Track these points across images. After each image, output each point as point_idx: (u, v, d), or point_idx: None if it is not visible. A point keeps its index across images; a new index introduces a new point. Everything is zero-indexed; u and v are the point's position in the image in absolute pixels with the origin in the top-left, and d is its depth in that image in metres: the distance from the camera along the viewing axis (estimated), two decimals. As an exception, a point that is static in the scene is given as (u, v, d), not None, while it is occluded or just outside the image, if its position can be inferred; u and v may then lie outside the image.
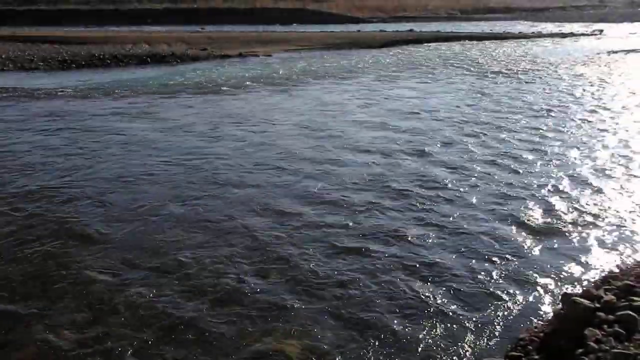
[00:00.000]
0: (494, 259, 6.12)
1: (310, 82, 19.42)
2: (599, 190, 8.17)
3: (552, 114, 13.71)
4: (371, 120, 13.15)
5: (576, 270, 5.84)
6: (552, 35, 41.54)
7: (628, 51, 28.61)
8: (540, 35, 41.69)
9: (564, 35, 40.88)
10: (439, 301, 5.28)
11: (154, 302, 5.14)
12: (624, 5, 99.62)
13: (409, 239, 6.59)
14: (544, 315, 5.05)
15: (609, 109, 14.26)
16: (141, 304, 5.09)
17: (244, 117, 13.63)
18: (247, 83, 19.25)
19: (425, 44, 34.47)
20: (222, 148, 10.67)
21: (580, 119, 13.05)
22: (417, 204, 7.70)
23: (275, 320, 4.90)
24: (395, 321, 4.94)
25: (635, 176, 8.78)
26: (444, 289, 5.50)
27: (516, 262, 6.03)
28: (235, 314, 4.98)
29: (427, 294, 5.40)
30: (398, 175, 9.00)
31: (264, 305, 5.13)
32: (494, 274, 5.80)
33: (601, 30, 44.51)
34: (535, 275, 5.73)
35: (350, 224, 6.99)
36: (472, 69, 22.83)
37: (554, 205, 7.63)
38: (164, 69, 23.41)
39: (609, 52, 28.19)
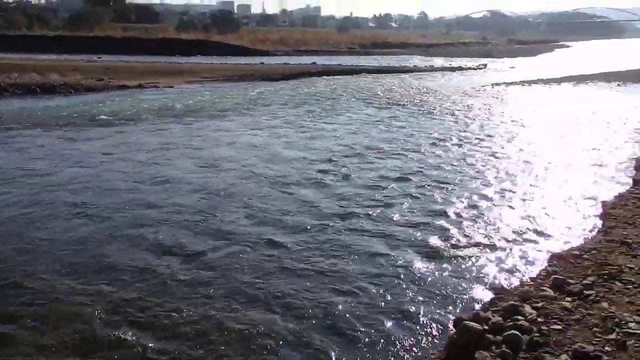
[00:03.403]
0: (387, 285, 6.30)
1: (211, 115, 19.22)
2: (486, 214, 8.70)
3: (445, 142, 14.51)
4: (269, 150, 13.24)
5: (468, 293, 6.14)
6: (443, 69, 44.21)
7: (509, 83, 31.05)
8: (433, 69, 44.23)
9: (453, 69, 43.65)
10: (321, 336, 5.31)
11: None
12: (503, 42, 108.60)
13: (299, 267, 6.65)
14: (439, 343, 5.24)
15: (495, 136, 15.35)
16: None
17: (137, 150, 13.27)
18: (145, 115, 18.72)
19: (327, 77, 35.37)
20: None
21: (470, 146, 13.91)
22: (312, 232, 7.81)
23: None
24: None
25: (521, 199, 9.45)
26: (333, 319, 5.58)
27: (409, 289, 6.24)
28: None
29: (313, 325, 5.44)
30: (294, 206, 9.11)
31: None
32: (387, 300, 5.96)
33: (485, 65, 48.04)
34: (430, 301, 5.95)
35: (247, 257, 6.95)
36: (371, 100, 23.70)
37: (444, 229, 8.03)
38: (57, 100, 22.21)
39: (492, 85, 30.41)
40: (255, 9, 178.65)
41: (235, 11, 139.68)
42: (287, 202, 9.33)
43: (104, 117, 18.40)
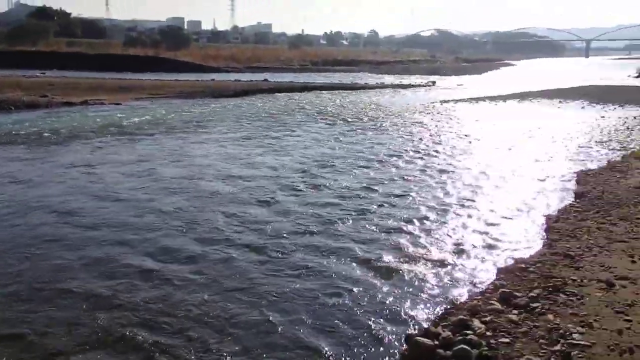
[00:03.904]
0: (337, 302, 6.27)
1: (159, 132, 18.86)
2: (435, 228, 8.82)
3: (395, 157, 14.70)
4: (219, 170, 13.08)
5: (418, 308, 6.16)
6: (393, 86, 44.99)
7: (457, 100, 31.86)
8: (383, 85, 44.96)
9: (403, 86, 44.49)
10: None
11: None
12: (451, 60, 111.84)
13: (254, 282, 6.55)
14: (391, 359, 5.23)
15: (444, 151, 15.67)
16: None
17: (83, 169, 12.88)
18: (87, 133, 18.19)
19: (279, 93, 35.40)
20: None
21: (420, 162, 14.14)
22: (265, 250, 7.72)
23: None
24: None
25: (469, 214, 9.62)
26: (277, 339, 5.50)
27: (359, 306, 6.22)
28: None
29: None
30: (245, 224, 9.02)
31: None
32: (337, 317, 5.92)
33: (434, 82, 49.21)
34: (380, 317, 5.94)
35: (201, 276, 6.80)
36: (323, 117, 23.82)
37: (393, 245, 8.10)
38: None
39: (441, 101, 31.14)
40: (206, 26, 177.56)
41: (186, 27, 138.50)
42: (236, 222, 9.20)
43: (46, 134, 17.76)
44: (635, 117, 23.43)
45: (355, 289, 6.61)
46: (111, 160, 13.97)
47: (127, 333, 5.54)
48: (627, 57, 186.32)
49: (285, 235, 8.52)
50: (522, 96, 34.23)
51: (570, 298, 5.70)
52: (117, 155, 14.72)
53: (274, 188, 11.40)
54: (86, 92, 30.20)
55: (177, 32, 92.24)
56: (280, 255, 7.70)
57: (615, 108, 27.64)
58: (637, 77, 59.42)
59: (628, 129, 20.11)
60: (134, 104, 27.52)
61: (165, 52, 68.97)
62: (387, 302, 6.30)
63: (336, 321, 5.86)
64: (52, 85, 32.61)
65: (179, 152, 15.31)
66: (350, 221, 9.23)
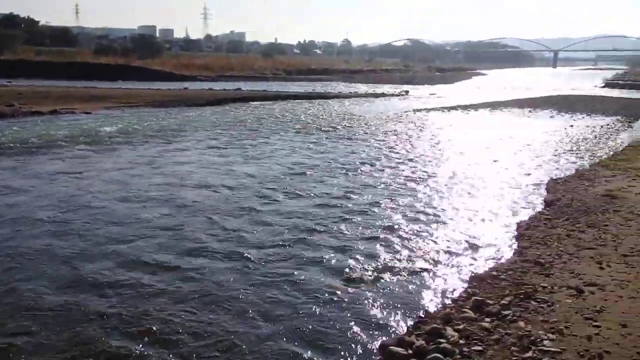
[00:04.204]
0: (311, 312, 6.24)
1: (131, 142, 18.61)
2: (408, 237, 8.86)
3: (369, 166, 14.76)
4: (194, 180, 12.96)
5: (392, 318, 6.17)
6: (367, 95, 45.29)
7: (430, 109, 32.23)
8: (356, 95, 45.21)
9: (376, 95, 44.81)
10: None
11: None
12: (424, 70, 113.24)
13: (220, 297, 6.48)
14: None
15: (417, 160, 15.81)
16: None
17: (52, 178, 12.62)
18: (59, 142, 17.85)
19: (252, 102, 35.31)
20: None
21: (393, 171, 14.22)
22: (241, 261, 7.66)
23: None
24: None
25: (442, 222, 9.70)
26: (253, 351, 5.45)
27: (334, 316, 6.20)
28: None
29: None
30: (223, 232, 8.94)
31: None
32: (311, 328, 5.90)
33: (407, 91, 49.71)
34: (354, 327, 5.93)
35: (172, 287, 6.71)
36: (297, 126, 23.82)
37: (367, 254, 8.12)
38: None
39: (414, 110, 31.45)
40: (179, 34, 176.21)
41: (158, 35, 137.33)
42: (214, 231, 9.11)
43: (11, 144, 17.35)
44: (602, 126, 24.02)
45: (329, 299, 6.60)
46: (82, 170, 13.71)
47: (95, 344, 5.45)
48: (593, 67, 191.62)
49: (260, 244, 8.48)
50: (494, 105, 34.80)
51: (541, 305, 5.78)
52: (88, 165, 14.46)
53: (252, 197, 11.36)
54: (56, 101, 29.66)
55: (149, 40, 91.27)
56: (256, 264, 7.65)
57: (583, 117, 28.30)
58: (604, 87, 61.03)
59: (596, 137, 20.60)
60: (105, 112, 27.11)
61: (137, 61, 68.15)
62: (361, 311, 6.30)
63: (310, 331, 5.83)
64: (20, 94, 31.93)
65: (151, 161, 15.12)
66: (325, 230, 9.24)
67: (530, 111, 31.39)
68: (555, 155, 16.70)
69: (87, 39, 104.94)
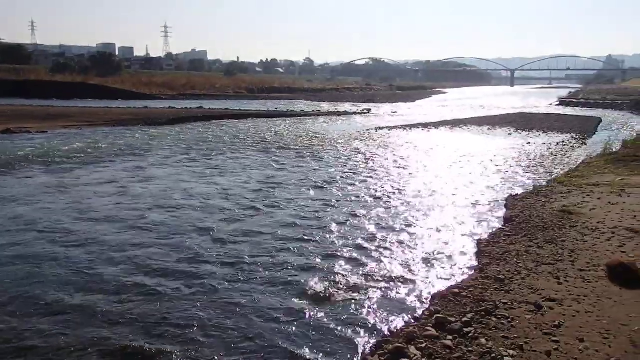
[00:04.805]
0: (271, 334, 6.14)
1: (88, 162, 18.19)
2: (372, 256, 8.86)
3: (332, 184, 14.77)
4: (154, 202, 12.72)
5: (355, 338, 6.11)
6: (329, 113, 45.58)
7: (391, 127, 32.62)
8: (319, 113, 45.43)
9: (339, 114, 45.14)
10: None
11: None
12: (385, 88, 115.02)
13: (179, 317, 6.33)
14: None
15: (379, 177, 15.92)
16: None
17: (7, 201, 12.17)
18: (12, 163, 17.30)
19: (215, 121, 35.06)
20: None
21: (355, 187, 14.27)
22: (197, 281, 7.50)
23: None
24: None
25: (404, 240, 9.73)
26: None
27: (295, 337, 6.12)
28: None
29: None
30: (179, 253, 8.78)
31: None
32: (271, 350, 5.80)
33: (369, 109, 50.28)
34: (317, 348, 5.85)
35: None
36: (260, 144, 23.74)
37: (329, 273, 8.08)
38: None
39: (376, 129, 31.77)
40: (139, 52, 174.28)
41: (117, 53, 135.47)
42: (170, 254, 8.92)
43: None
44: (558, 143, 24.72)
45: (292, 319, 6.52)
46: (35, 193, 13.28)
47: None
48: (548, 86, 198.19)
49: (220, 264, 8.34)
50: (454, 123, 35.47)
51: (502, 321, 5.83)
52: (45, 187, 14.02)
53: (214, 217, 11.22)
54: (10, 120, 28.83)
55: (107, 58, 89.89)
56: (215, 287, 7.50)
57: (539, 135, 29.09)
58: (558, 105, 63.07)
59: (552, 154, 21.17)
60: (61, 132, 26.47)
61: (96, 79, 67.06)
62: (324, 331, 6.24)
63: (271, 353, 5.73)
64: (-28, 113, 30.95)
65: (111, 180, 14.79)
66: (287, 249, 9.17)
67: (489, 129, 32.09)
68: (514, 172, 17.07)
69: (44, 57, 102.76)
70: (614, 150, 19.36)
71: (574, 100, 66.21)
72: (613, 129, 33.45)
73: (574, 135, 28.24)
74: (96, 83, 62.87)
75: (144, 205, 12.17)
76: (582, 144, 25.08)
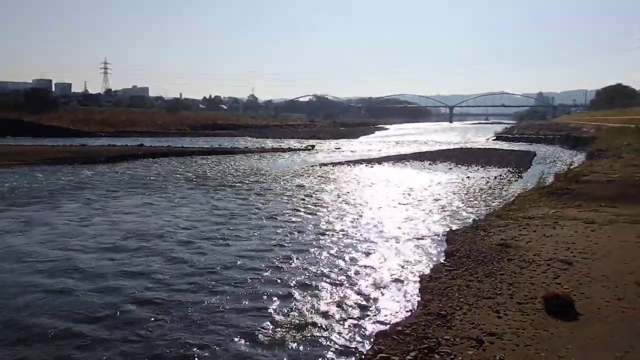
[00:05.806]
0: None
1: (19, 203, 17.33)
2: (314, 293, 8.74)
3: (275, 221, 14.63)
4: (92, 244, 12.21)
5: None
6: (274, 149, 45.64)
7: (335, 163, 32.92)
8: (264, 150, 45.43)
9: (283, 150, 45.29)
10: None
11: None
12: (329, 124, 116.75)
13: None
14: None
15: (322, 214, 15.89)
16: None
17: None
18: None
19: (156, 158, 34.39)
20: None
21: (299, 224, 14.16)
22: (138, 324, 7.16)
23: None
24: None
25: (347, 277, 9.66)
26: None
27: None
28: None
29: None
30: (113, 300, 8.38)
31: None
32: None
33: (313, 146, 50.72)
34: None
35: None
36: (202, 182, 23.36)
37: (272, 312, 7.92)
38: None
39: (320, 165, 31.98)
40: (77, 88, 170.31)
41: (54, 90, 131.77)
42: (105, 296, 8.50)
43: None
44: (495, 177, 25.56)
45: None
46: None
47: None
48: (485, 122, 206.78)
49: (157, 306, 7.99)
50: (396, 159, 36.17)
51: (444, 358, 5.80)
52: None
53: (154, 258, 10.86)
54: None
55: (43, 94, 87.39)
56: (151, 331, 7.16)
57: (478, 169, 30.03)
58: (495, 139, 65.67)
59: (490, 188, 21.83)
60: (-9, 171, 25.19)
61: (31, 116, 64.73)
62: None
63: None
64: None
65: (47, 223, 14.09)
66: (227, 291, 8.92)
67: (430, 164, 32.88)
68: (455, 207, 17.44)
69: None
70: (547, 183, 20.16)
71: (510, 135, 69.17)
72: (547, 162, 35.02)
73: (511, 169, 29.30)
74: (31, 120, 60.67)
75: (75, 250, 11.63)
76: (518, 177, 26.01)
